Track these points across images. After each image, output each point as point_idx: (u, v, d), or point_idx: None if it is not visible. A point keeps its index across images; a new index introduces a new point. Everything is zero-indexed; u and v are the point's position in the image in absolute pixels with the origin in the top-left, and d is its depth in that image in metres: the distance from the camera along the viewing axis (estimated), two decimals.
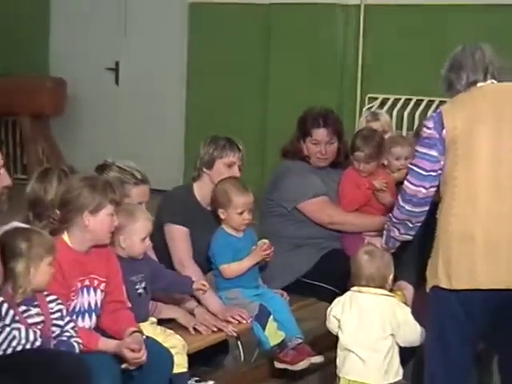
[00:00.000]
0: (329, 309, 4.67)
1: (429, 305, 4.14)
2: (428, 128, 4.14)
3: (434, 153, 4.09)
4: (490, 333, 4.10)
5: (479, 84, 4.14)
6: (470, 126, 4.02)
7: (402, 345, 4.49)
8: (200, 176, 5.45)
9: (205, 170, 5.41)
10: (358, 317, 4.53)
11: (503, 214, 3.93)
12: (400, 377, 4.56)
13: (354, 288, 4.62)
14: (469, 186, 3.98)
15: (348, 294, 4.63)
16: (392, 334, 4.49)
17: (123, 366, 4.23)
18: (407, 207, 4.23)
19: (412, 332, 4.46)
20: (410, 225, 4.31)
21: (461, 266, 3.93)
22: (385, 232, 4.55)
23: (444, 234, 4.02)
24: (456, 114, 4.08)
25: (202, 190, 5.44)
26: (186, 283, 4.97)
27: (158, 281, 4.81)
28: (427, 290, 4.14)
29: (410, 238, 4.37)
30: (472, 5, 8.86)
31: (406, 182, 4.24)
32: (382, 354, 4.49)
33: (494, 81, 4.17)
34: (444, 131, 4.05)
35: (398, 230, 4.40)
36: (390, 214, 4.44)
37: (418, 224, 4.30)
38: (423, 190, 4.15)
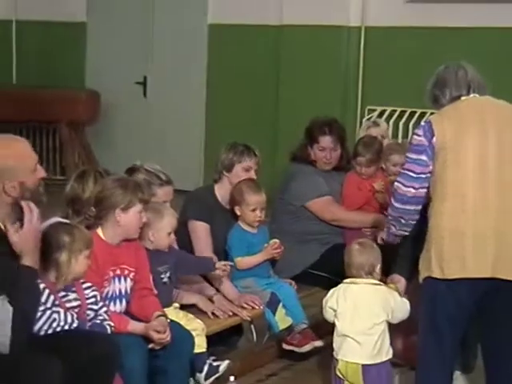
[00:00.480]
0: (324, 300, 4.67)
1: (422, 294, 4.13)
2: (418, 135, 4.13)
3: (423, 157, 4.08)
4: (476, 317, 4.09)
5: (463, 97, 4.19)
6: (458, 133, 4.04)
7: (394, 322, 4.52)
8: (220, 178, 5.46)
9: (225, 172, 5.42)
10: (353, 306, 4.52)
11: (489, 212, 3.95)
12: (390, 356, 4.55)
13: (347, 280, 4.61)
14: (458, 187, 3.99)
15: (341, 286, 4.62)
16: (385, 320, 4.50)
17: (150, 345, 4.25)
18: (397, 205, 4.21)
19: (402, 311, 4.52)
20: (403, 221, 4.25)
21: (452, 257, 3.95)
22: (385, 229, 4.51)
23: (436, 230, 4.02)
24: (444, 123, 4.09)
25: (221, 191, 5.45)
26: (209, 263, 5.02)
27: (182, 267, 4.86)
28: (420, 281, 4.15)
29: (407, 233, 4.33)
30: (463, 28, 8.82)
31: (396, 183, 4.23)
32: (375, 337, 4.49)
33: (476, 95, 4.22)
34: (434, 139, 4.04)
35: (394, 226, 4.36)
36: (387, 213, 4.45)
37: (411, 221, 4.26)
38: (412, 190, 4.12)
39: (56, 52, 11.71)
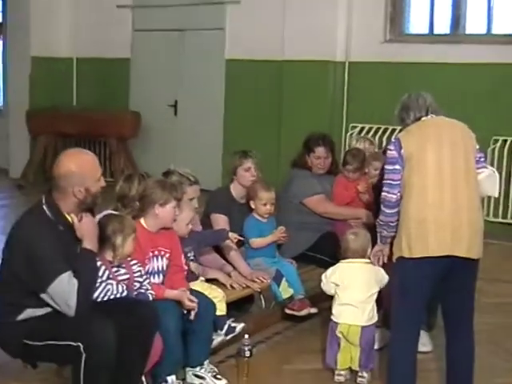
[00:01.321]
0: (324, 276, 4.70)
1: (395, 270, 4.15)
2: (391, 150, 4.13)
3: (397, 167, 4.07)
4: (438, 287, 4.10)
5: (423, 118, 4.20)
6: (420, 146, 4.06)
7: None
8: (232, 180, 5.49)
9: (233, 176, 5.47)
10: (353, 281, 4.58)
11: (445, 206, 3.98)
12: (376, 319, 4.61)
13: (346, 261, 4.65)
14: (421, 187, 4.01)
15: (341, 265, 4.66)
16: (377, 291, 4.60)
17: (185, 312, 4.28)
18: (388, 211, 4.15)
19: (386, 281, 4.60)
20: (392, 224, 4.19)
21: (418, 240, 3.97)
22: (378, 235, 4.40)
23: (405, 220, 4.03)
24: (409, 138, 4.11)
25: (235, 190, 5.47)
26: (223, 233, 5.03)
27: (203, 241, 4.91)
28: (393, 260, 4.16)
29: (394, 233, 4.21)
30: (426, 63, 8.86)
31: (384, 193, 4.16)
32: (371, 305, 4.56)
33: (433, 115, 4.23)
34: (402, 151, 4.05)
35: (386, 230, 4.28)
36: (378, 220, 4.32)
37: (396, 223, 4.17)
38: (395, 196, 4.10)
39: (107, 81, 11.78)
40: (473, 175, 4.12)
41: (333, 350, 4.58)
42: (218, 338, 4.66)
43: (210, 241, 5.04)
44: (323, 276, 4.71)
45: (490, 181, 4.28)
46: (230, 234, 4.99)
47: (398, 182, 4.09)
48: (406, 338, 4.13)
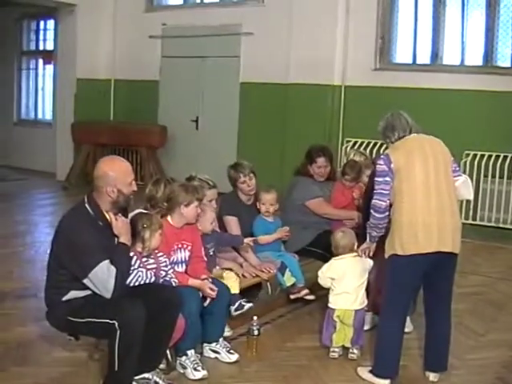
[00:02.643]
0: (320, 272, 4.70)
1: (388, 265, 4.11)
2: (381, 164, 4.08)
3: (388, 178, 4.05)
4: (424, 279, 4.12)
5: (406, 136, 4.16)
6: (408, 160, 4.04)
7: None
8: (236, 189, 5.46)
9: (235, 187, 5.46)
10: (346, 273, 4.56)
11: (431, 210, 3.98)
12: (366, 303, 4.61)
13: (337, 257, 4.64)
14: (411, 194, 3.99)
15: (334, 262, 4.65)
16: (366, 278, 4.60)
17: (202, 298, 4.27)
18: (378, 215, 4.11)
19: (370, 267, 4.62)
20: (380, 226, 4.18)
21: (410, 240, 3.97)
22: (368, 235, 4.35)
23: (398, 222, 4.02)
24: (397, 154, 4.08)
25: (241, 195, 5.43)
26: (239, 239, 5.00)
27: (222, 242, 4.86)
28: (386, 257, 4.13)
29: (383, 233, 4.23)
30: (412, 88, 8.85)
31: (375, 201, 4.11)
32: (362, 291, 4.57)
33: (414, 134, 4.19)
34: (392, 165, 4.03)
35: (375, 231, 4.24)
36: (369, 223, 4.25)
37: (385, 225, 4.18)
38: (385, 203, 4.07)
39: (139, 99, 11.79)
40: (452, 183, 4.14)
41: (328, 331, 4.58)
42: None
43: (228, 243, 4.99)
44: (320, 272, 4.70)
45: (465, 186, 4.28)
46: (245, 240, 4.96)
47: (388, 192, 4.07)
48: (396, 324, 4.12)
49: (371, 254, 4.52)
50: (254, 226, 5.33)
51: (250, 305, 4.71)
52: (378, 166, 4.15)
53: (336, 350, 4.57)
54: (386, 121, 4.24)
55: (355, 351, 4.55)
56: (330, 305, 4.59)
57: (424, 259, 3.98)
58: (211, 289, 4.23)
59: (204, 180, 4.93)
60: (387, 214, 4.12)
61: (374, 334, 4.37)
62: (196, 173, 5.03)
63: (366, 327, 4.74)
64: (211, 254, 4.67)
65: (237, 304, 4.66)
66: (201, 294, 4.25)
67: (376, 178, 4.15)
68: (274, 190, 5.32)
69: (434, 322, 4.23)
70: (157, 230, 3.97)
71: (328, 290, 4.67)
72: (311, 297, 5.33)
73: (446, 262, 4.09)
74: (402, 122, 4.18)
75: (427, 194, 4.00)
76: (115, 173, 3.75)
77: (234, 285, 4.62)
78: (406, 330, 4.74)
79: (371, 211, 4.17)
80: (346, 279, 4.54)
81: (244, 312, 4.68)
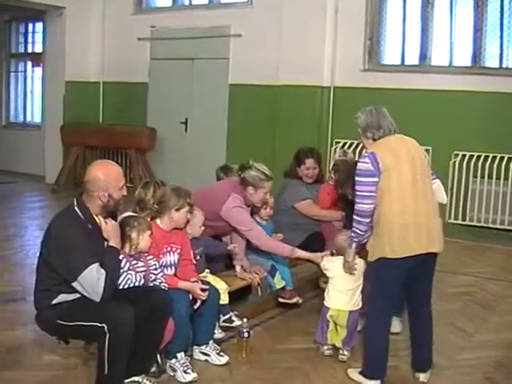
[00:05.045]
0: (322, 264, 4.67)
1: (376, 269, 3.99)
2: (366, 163, 3.84)
3: (375, 179, 3.85)
4: (407, 279, 4.04)
5: (388, 136, 4.01)
6: (396, 160, 3.89)
7: None
8: None
9: None
10: (341, 273, 4.50)
11: (420, 211, 3.90)
12: (360, 305, 4.58)
13: (339, 257, 4.56)
14: (401, 196, 3.87)
15: (337, 261, 4.54)
16: (361, 280, 4.56)
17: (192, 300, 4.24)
18: (366, 220, 3.92)
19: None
20: (368, 231, 4.00)
21: (401, 242, 3.87)
22: (354, 242, 4.14)
23: (387, 226, 3.87)
24: (384, 153, 3.89)
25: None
26: (223, 247, 4.96)
27: (209, 248, 4.76)
28: (372, 260, 4.00)
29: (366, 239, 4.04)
30: (399, 89, 8.86)
31: (360, 205, 3.89)
32: (357, 293, 4.55)
33: (396, 135, 4.04)
34: (380, 165, 3.83)
35: (364, 237, 4.03)
36: (356, 231, 4.01)
37: (369, 229, 3.99)
38: (371, 207, 3.89)
39: (128, 102, 11.79)
40: (431, 185, 4.10)
41: (323, 329, 4.61)
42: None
43: (214, 250, 4.90)
44: (322, 264, 4.66)
45: (440, 190, 4.28)
46: (229, 247, 4.93)
47: (375, 194, 3.87)
48: (384, 325, 4.10)
49: (355, 269, 4.39)
50: None
51: (239, 323, 4.66)
52: (362, 164, 3.90)
53: (331, 347, 4.62)
54: (371, 116, 4.04)
55: (346, 353, 4.56)
56: (325, 303, 4.58)
57: (413, 260, 3.92)
58: (202, 290, 4.21)
59: (262, 171, 4.87)
60: (371, 219, 3.94)
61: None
62: (252, 162, 4.92)
63: (359, 328, 4.74)
64: (198, 258, 4.61)
65: (227, 316, 4.69)
66: (190, 297, 4.23)
67: (359, 178, 3.91)
68: (272, 195, 5.30)
69: (416, 321, 4.21)
70: (145, 231, 3.96)
71: (319, 292, 4.67)
72: (299, 299, 5.32)
73: (431, 261, 4.08)
74: (386, 120, 4.03)
75: (415, 196, 3.90)
76: (107, 177, 3.74)
77: (223, 296, 4.59)
78: (395, 330, 4.77)
79: (356, 217, 3.96)
80: (343, 279, 4.50)
81: (231, 326, 4.70)
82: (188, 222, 4.39)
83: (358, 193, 3.91)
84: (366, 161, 3.87)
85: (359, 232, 4.02)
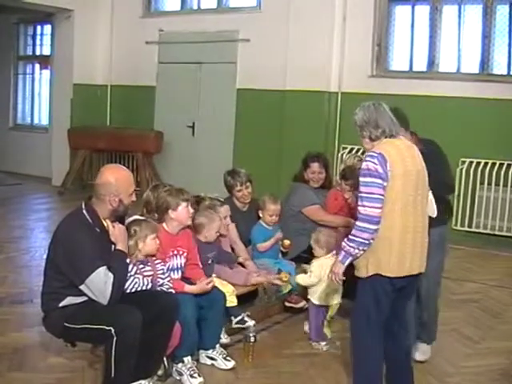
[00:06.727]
0: (307, 277, 4.86)
1: (371, 284, 3.52)
2: (375, 164, 3.35)
3: (380, 181, 3.36)
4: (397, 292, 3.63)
5: (393, 138, 3.55)
6: (404, 167, 3.42)
7: None
8: (231, 195, 5.56)
9: (230, 193, 5.57)
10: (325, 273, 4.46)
11: (418, 227, 3.55)
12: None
13: (317, 260, 4.87)
14: (405, 209, 3.45)
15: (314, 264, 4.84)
16: None
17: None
18: (371, 226, 3.38)
19: None
20: (369, 242, 3.43)
21: (397, 260, 3.47)
22: (345, 253, 3.52)
23: (387, 240, 3.45)
24: (391, 154, 3.40)
25: (236, 201, 5.50)
26: (232, 258, 5.08)
27: (220, 257, 4.82)
28: (363, 275, 3.54)
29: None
30: (406, 95, 8.82)
31: (364, 208, 3.37)
32: (340, 287, 4.69)
33: (401, 136, 3.62)
34: (388, 167, 3.35)
35: (363, 249, 3.45)
36: (354, 239, 3.43)
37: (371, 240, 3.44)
38: (378, 211, 3.37)
39: (135, 105, 11.81)
40: (428, 200, 3.68)
41: (318, 327, 4.83)
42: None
43: (225, 259, 4.95)
44: (307, 277, 4.87)
45: (432, 203, 3.80)
46: (239, 259, 5.12)
47: (382, 197, 3.38)
48: (379, 347, 3.64)
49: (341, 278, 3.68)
50: (253, 233, 5.36)
51: (252, 323, 4.69)
52: (369, 163, 3.40)
53: (328, 342, 4.84)
54: (368, 113, 3.60)
55: (337, 343, 4.82)
56: (315, 302, 4.79)
57: (407, 279, 3.57)
58: (207, 283, 4.26)
59: (214, 198, 5.01)
60: (379, 226, 3.41)
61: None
62: (204, 193, 5.07)
63: None
64: (209, 262, 4.63)
65: (239, 317, 4.70)
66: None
67: (367, 179, 3.40)
68: (279, 201, 5.37)
69: (394, 337, 3.73)
70: (149, 234, 3.96)
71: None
72: (304, 305, 5.30)
73: (416, 281, 3.73)
74: (386, 118, 3.58)
75: (415, 210, 3.51)
76: (118, 182, 3.77)
77: (231, 298, 4.60)
78: (423, 357, 4.58)
79: (361, 223, 3.40)
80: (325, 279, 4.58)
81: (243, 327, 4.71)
82: (201, 227, 4.51)
83: (364, 195, 3.39)
84: (373, 161, 3.38)
85: (361, 241, 3.42)
